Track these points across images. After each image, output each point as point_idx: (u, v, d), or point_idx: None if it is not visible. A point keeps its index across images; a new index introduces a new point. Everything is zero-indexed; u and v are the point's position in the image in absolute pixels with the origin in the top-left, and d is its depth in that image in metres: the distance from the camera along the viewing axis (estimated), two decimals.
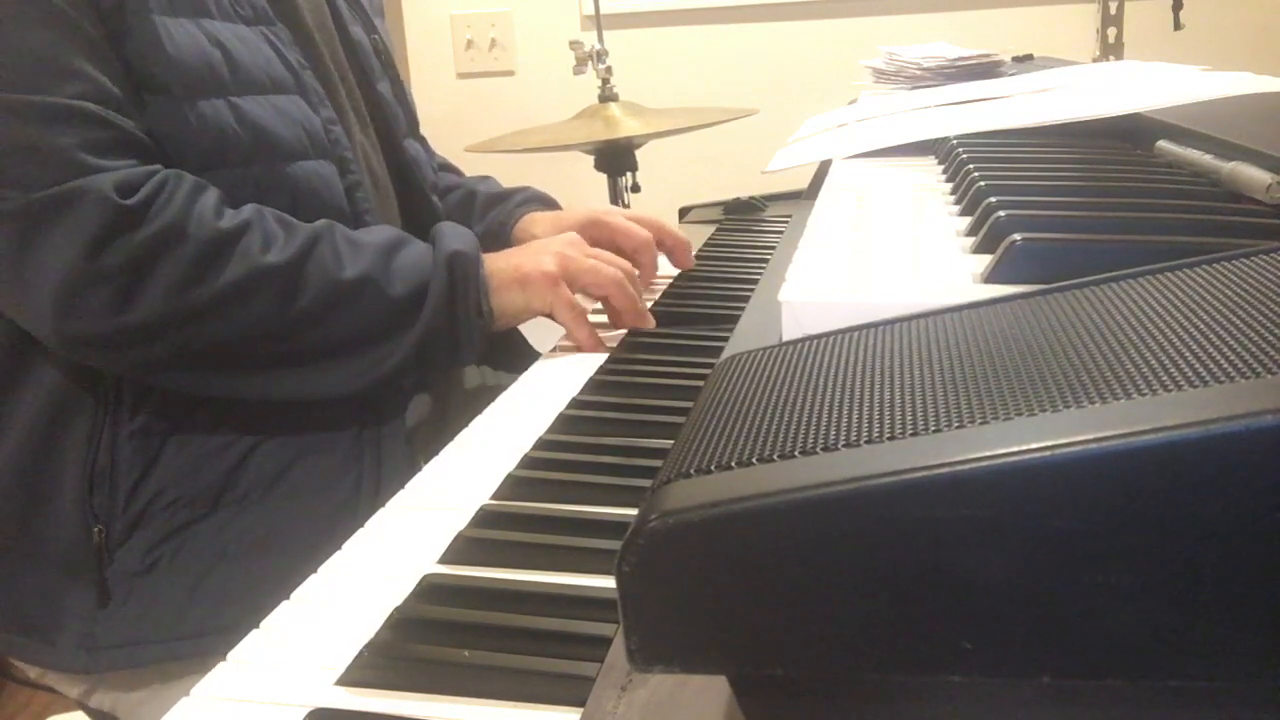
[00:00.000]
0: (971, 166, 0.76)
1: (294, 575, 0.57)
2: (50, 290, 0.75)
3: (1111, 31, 1.68)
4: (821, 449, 0.30)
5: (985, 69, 1.38)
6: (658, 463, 0.61)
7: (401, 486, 0.68)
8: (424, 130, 1.21)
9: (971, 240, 0.62)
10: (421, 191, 1.09)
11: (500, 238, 1.14)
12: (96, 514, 0.81)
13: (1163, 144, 0.81)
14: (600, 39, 1.87)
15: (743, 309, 0.84)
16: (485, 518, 0.62)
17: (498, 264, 0.90)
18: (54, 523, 0.82)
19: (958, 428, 0.29)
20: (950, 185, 0.80)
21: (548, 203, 1.19)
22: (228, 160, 0.83)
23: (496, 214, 1.17)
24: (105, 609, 0.80)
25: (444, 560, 0.58)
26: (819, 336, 0.42)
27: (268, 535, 0.82)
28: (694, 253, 1.22)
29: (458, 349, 0.87)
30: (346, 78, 1.01)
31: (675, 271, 1.12)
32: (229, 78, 0.83)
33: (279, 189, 0.85)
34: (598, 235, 1.10)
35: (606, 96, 1.87)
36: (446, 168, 1.26)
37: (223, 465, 0.83)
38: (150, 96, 0.80)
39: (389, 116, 1.07)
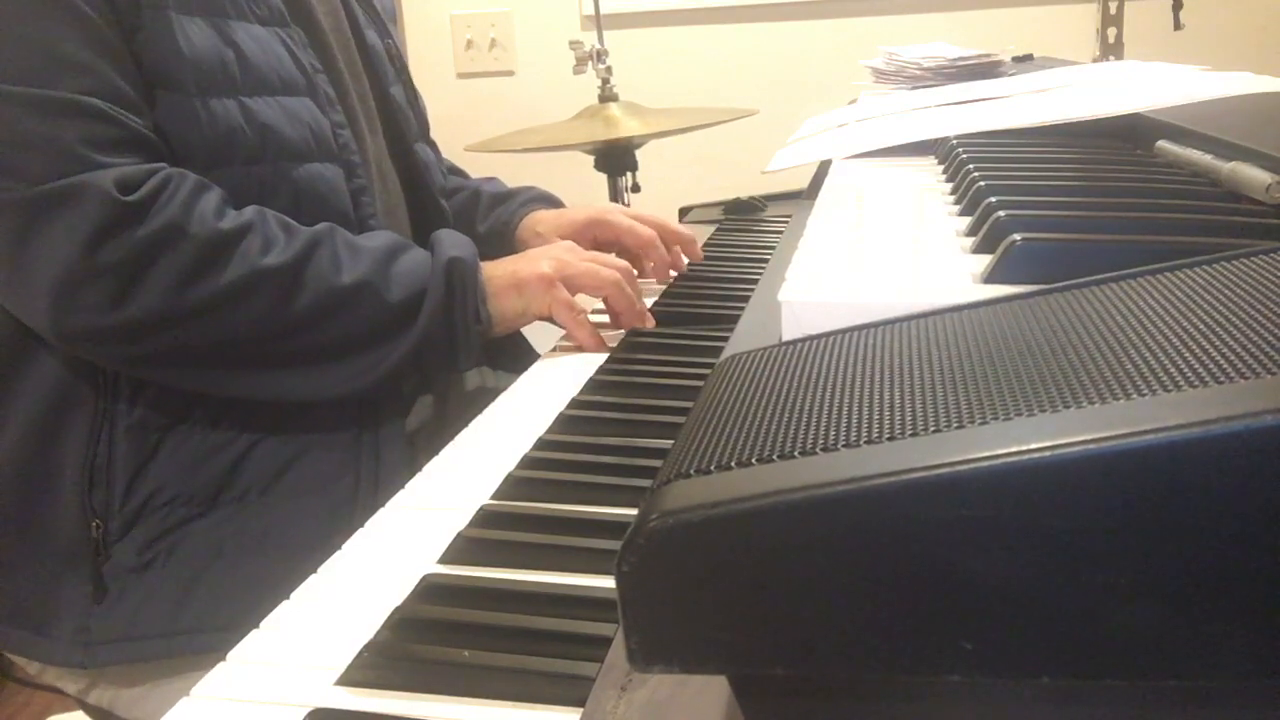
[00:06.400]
0: (971, 166, 0.76)
1: (291, 575, 0.57)
2: (48, 283, 0.75)
3: (1111, 31, 1.68)
4: (821, 449, 0.30)
5: (985, 69, 1.37)
6: (658, 463, 0.61)
7: (400, 487, 0.68)
8: None
9: (971, 240, 0.62)
10: (430, 195, 1.10)
11: (504, 237, 1.14)
12: (95, 509, 0.81)
13: (1163, 144, 0.81)
14: (600, 39, 1.87)
15: (743, 309, 0.84)
16: (485, 518, 0.62)
17: (495, 270, 0.90)
18: (53, 516, 0.82)
19: (958, 428, 0.29)
20: (950, 185, 0.80)
21: (551, 202, 1.20)
22: (234, 159, 0.83)
23: (500, 213, 1.17)
24: (101, 604, 0.80)
25: (444, 560, 0.58)
26: (819, 336, 0.42)
27: (265, 534, 0.82)
28: None
29: (455, 355, 0.87)
30: (360, 81, 1.01)
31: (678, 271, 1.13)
32: (240, 77, 0.83)
33: (283, 190, 0.85)
34: (602, 235, 1.10)
35: (606, 96, 1.87)
36: (453, 170, 1.26)
37: (221, 463, 0.83)
38: (161, 93, 0.80)
39: (400, 120, 1.08)
